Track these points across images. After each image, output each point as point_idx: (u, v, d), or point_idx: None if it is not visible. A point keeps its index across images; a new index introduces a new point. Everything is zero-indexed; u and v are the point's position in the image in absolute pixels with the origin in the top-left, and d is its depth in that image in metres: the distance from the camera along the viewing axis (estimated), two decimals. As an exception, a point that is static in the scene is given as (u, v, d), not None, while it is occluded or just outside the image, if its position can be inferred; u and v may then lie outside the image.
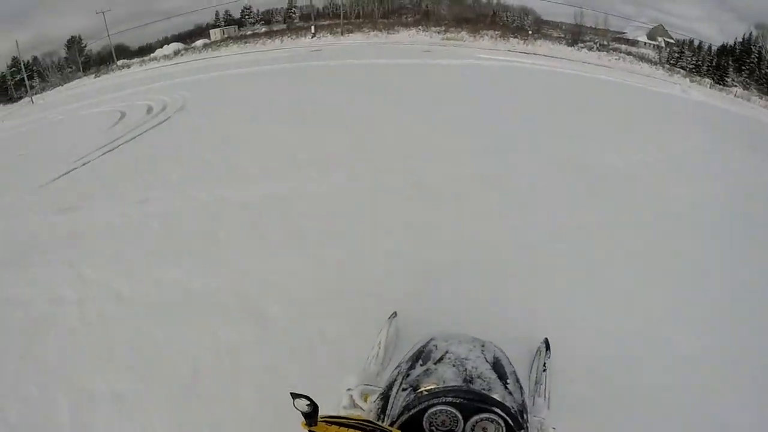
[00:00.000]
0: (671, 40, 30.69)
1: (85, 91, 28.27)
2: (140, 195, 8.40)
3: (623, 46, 31.03)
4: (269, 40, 32.34)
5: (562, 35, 31.44)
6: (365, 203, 7.48)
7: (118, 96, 21.45)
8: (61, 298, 5.49)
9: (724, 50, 29.51)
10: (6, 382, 4.27)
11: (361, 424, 1.77)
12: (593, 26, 31.46)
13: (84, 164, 11.22)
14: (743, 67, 28.88)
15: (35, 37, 31.94)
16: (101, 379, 4.21)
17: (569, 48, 30.18)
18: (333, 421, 1.76)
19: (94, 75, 32.55)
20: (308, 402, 1.64)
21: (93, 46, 33.05)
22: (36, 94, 31.14)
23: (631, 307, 5.09)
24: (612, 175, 9.02)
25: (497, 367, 2.32)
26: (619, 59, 29.50)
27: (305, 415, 1.67)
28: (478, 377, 2.15)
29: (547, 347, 4.12)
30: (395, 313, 4.52)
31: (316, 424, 1.69)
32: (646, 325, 4.81)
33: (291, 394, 1.66)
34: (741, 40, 29.26)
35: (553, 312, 4.88)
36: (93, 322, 5.05)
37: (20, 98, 31.03)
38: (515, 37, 30.83)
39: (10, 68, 31.23)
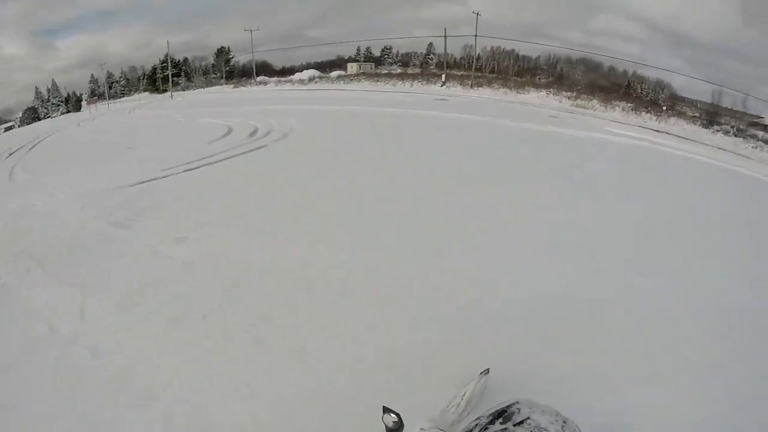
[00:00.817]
0: None
1: (218, 98, 29.54)
2: (182, 232, 7.32)
3: (761, 133, 27.65)
4: (400, 82, 31.69)
5: (697, 114, 28.58)
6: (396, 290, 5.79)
7: (238, 110, 21.30)
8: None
9: None
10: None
11: None
12: (730, 107, 28.25)
13: (165, 176, 10.83)
14: None
15: (194, 40, 34.22)
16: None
17: (704, 129, 27.22)
18: None
19: (233, 85, 33.53)
20: (396, 419, 2.12)
21: (241, 59, 34.24)
22: (178, 90, 32.68)
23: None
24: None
25: None
26: (756, 148, 26.09)
27: (389, 430, 2.11)
28: None
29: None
30: (488, 370, 4.24)
31: None
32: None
33: (383, 407, 2.16)
34: None
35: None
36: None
37: (165, 91, 32.86)
38: (648, 111, 28.40)
39: (162, 63, 32.88)
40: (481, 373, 4.19)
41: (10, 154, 18.36)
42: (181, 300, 5.47)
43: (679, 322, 5.43)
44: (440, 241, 7.04)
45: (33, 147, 19.47)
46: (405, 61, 35.30)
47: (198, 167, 11.26)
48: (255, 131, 16.15)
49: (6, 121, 29.61)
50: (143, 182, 10.35)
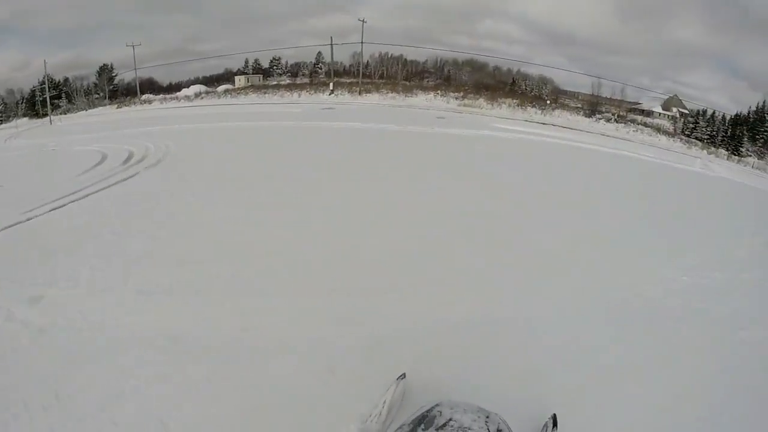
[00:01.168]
0: (686, 111, 30.04)
1: (100, 120, 28.04)
2: (37, 289, 6.60)
3: (639, 117, 30.31)
4: (288, 93, 31.53)
5: (580, 105, 30.46)
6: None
7: (115, 134, 20.54)
8: None
9: (738, 120, 28.78)
10: None
11: None
12: (610, 96, 30.74)
13: (28, 219, 9.90)
14: (757, 137, 28.10)
15: (75, 58, 32.29)
16: None
17: (587, 119, 29.08)
18: None
19: (116, 105, 32.16)
20: None
21: (126, 76, 32.82)
22: (59, 114, 30.90)
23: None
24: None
25: None
26: (636, 131, 28.57)
27: None
28: None
29: (555, 424, 3.87)
30: (404, 375, 4.28)
31: None
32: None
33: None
34: (755, 108, 28.66)
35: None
36: None
37: (45, 115, 30.79)
38: (533, 106, 29.92)
39: (41, 85, 30.95)
40: (397, 379, 4.20)
41: None
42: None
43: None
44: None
45: None
46: (294, 71, 35.11)
47: (64, 204, 10.70)
48: (130, 157, 15.57)
49: None
50: (5, 228, 9.60)
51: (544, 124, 27.42)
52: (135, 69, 31.71)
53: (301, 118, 23.32)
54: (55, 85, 31.71)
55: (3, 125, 30.58)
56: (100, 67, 32.79)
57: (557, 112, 29.73)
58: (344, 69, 34.33)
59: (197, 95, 31.38)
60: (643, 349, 5.45)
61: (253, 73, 34.14)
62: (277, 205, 10.33)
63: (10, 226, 9.60)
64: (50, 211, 10.40)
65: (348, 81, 33.17)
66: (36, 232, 9.30)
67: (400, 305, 6.20)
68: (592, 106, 30.15)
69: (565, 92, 32.10)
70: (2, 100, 31.75)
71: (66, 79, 32.41)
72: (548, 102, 30.80)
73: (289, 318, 5.77)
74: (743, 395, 4.80)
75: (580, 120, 29.14)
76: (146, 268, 7.12)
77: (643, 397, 4.66)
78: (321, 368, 4.81)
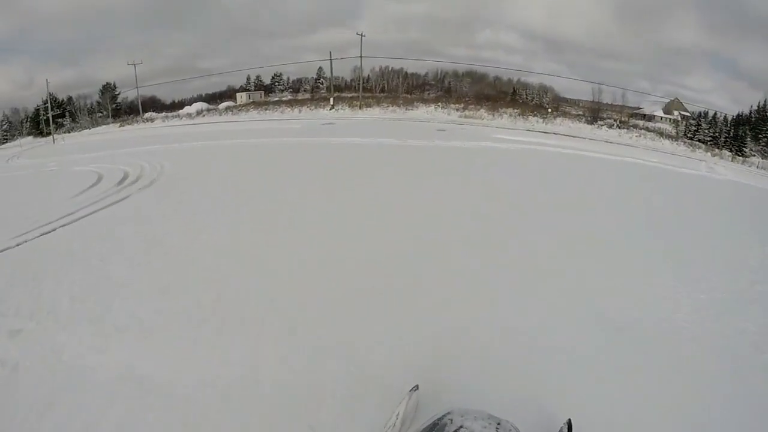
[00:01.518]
0: (687, 113, 29.98)
1: (102, 139, 28.16)
2: (18, 321, 6.37)
3: (641, 122, 30.31)
4: (289, 109, 31.44)
5: (581, 113, 30.17)
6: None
7: (113, 153, 20.47)
8: None
9: (740, 120, 28.61)
10: None
11: None
12: (611, 102, 30.87)
13: (18, 244, 9.74)
14: (760, 135, 27.95)
15: (78, 77, 32.96)
16: None
17: (589, 126, 28.80)
18: None
19: (119, 124, 32.16)
20: None
21: (129, 94, 33.08)
22: (63, 133, 30.97)
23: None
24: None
25: None
26: (639, 136, 28.43)
27: None
28: None
29: (569, 430, 3.82)
30: (417, 387, 4.23)
31: None
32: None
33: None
34: (756, 108, 28.52)
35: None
36: None
37: (50, 134, 30.85)
38: (534, 115, 29.72)
39: (45, 104, 31.05)
40: (410, 390, 4.15)
41: None
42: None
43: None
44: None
45: None
46: (296, 87, 35.27)
47: (54, 229, 10.45)
48: (125, 178, 15.41)
49: None
50: None
51: (546, 133, 27.12)
52: (137, 87, 32.04)
53: (300, 134, 23.08)
54: (58, 104, 32.01)
55: (8, 144, 30.93)
56: (103, 86, 33.35)
57: (559, 120, 29.63)
58: (345, 83, 34.39)
59: (199, 113, 31.44)
60: (662, 377, 5.04)
61: (254, 90, 34.19)
62: (271, 225, 10.01)
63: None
64: (40, 235, 10.25)
65: (349, 95, 33.21)
66: (24, 259, 9.07)
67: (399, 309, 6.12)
68: (594, 113, 30.08)
69: (566, 100, 32.18)
70: (7, 119, 32.23)
71: (69, 98, 32.87)
72: (549, 110, 30.65)
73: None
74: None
75: (582, 127, 28.99)
76: (127, 298, 6.80)
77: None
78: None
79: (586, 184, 15.40)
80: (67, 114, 32.57)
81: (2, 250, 9.57)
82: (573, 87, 31.28)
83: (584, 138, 26.20)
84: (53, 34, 30.27)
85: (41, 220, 11.08)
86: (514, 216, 10.65)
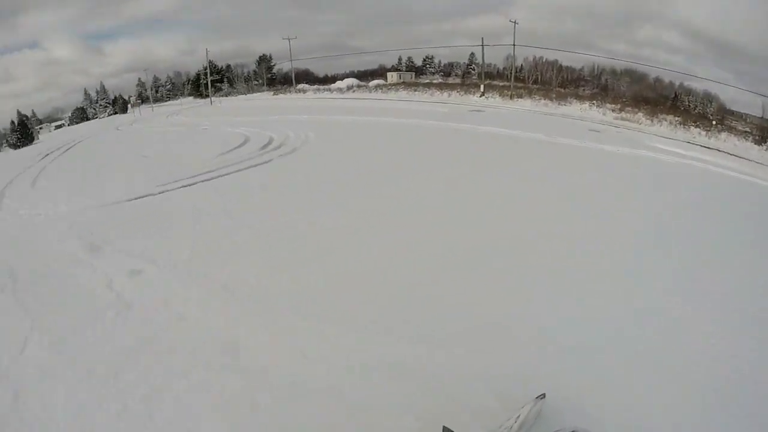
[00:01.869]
0: None
1: (255, 105, 29.49)
2: (140, 262, 6.64)
3: None
4: (438, 92, 30.84)
5: (748, 129, 26.43)
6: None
7: (266, 119, 21.04)
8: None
9: None
10: None
11: None
12: None
13: (160, 192, 10.44)
14: None
15: (237, 48, 35.57)
16: None
17: (756, 146, 25.01)
18: None
19: (273, 92, 33.66)
20: None
21: (284, 66, 34.51)
22: (221, 96, 33.21)
23: None
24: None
25: None
26: None
27: None
28: None
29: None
30: (544, 395, 4.01)
31: None
32: None
33: (444, 427, 2.44)
34: None
35: None
36: None
37: (207, 96, 33.51)
38: (696, 126, 26.44)
39: (205, 69, 34.00)
40: (536, 398, 3.98)
41: (45, 156, 18.62)
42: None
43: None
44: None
45: (66, 150, 19.67)
46: (447, 71, 34.72)
47: (194, 183, 10.79)
48: (269, 142, 15.75)
49: (57, 119, 30.65)
50: (139, 198, 9.97)
51: (708, 148, 23.80)
52: (290, 60, 33.19)
53: (446, 119, 22.35)
54: (217, 71, 34.50)
55: (170, 102, 33.87)
56: (260, 57, 35.19)
57: (723, 135, 26.03)
58: (497, 71, 33.22)
59: (349, 88, 31.90)
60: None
61: (405, 70, 34.04)
62: (399, 211, 8.99)
63: (141, 197, 10.18)
64: (181, 187, 10.68)
65: (500, 84, 32.02)
66: (161, 206, 9.54)
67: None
68: (763, 132, 25.93)
69: (731, 112, 28.26)
70: (171, 80, 35.37)
71: (228, 66, 35.20)
72: (713, 122, 27.16)
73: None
74: None
75: (749, 147, 25.12)
76: (241, 264, 6.63)
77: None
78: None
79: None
80: (225, 80, 34.83)
81: (144, 196, 10.20)
82: (739, 98, 27.52)
83: (750, 160, 22.50)
84: (213, 10, 33.33)
85: (185, 173, 11.57)
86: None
